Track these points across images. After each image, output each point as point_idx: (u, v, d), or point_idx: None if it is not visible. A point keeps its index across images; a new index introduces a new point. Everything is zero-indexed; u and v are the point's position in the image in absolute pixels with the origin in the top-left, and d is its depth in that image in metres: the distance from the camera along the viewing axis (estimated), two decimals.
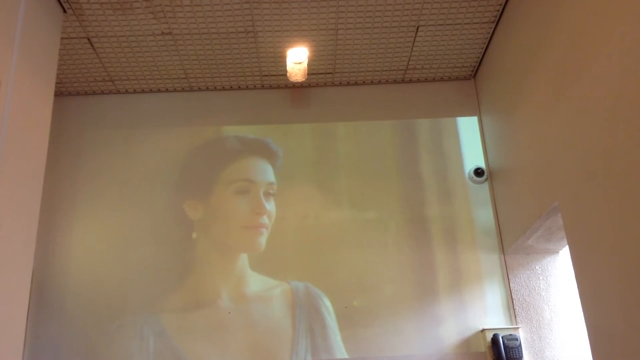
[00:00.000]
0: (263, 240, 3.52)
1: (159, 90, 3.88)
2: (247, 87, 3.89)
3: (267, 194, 3.61)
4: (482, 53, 3.65)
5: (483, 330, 3.31)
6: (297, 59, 3.49)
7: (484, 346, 3.28)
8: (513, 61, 3.18)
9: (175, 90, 3.89)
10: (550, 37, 2.66)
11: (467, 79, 3.92)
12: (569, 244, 2.59)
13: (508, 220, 3.41)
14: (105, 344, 3.29)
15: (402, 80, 3.90)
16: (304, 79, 3.59)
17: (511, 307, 3.36)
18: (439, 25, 3.36)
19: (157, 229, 3.55)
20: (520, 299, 3.36)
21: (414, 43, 3.52)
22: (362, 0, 3.11)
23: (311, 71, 3.71)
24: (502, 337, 3.21)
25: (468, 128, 3.80)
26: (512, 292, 3.39)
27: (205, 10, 3.13)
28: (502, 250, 3.49)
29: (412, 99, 3.89)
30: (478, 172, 3.65)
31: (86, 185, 3.64)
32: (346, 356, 3.27)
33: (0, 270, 2.28)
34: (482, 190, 3.65)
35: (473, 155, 3.73)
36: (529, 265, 3.43)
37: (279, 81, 3.84)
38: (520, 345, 3.20)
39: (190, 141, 3.77)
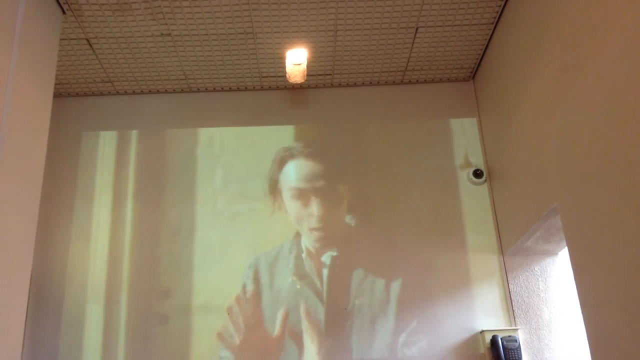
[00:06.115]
0: None
1: (158, 92, 3.88)
2: (246, 88, 3.89)
3: None
4: (481, 54, 3.66)
5: (482, 332, 3.30)
6: (296, 60, 3.49)
7: (483, 347, 3.28)
8: (512, 62, 3.18)
9: (174, 91, 3.89)
10: (549, 39, 2.66)
11: (466, 81, 3.92)
12: (568, 245, 2.59)
13: (507, 222, 3.41)
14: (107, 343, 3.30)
15: (401, 81, 3.90)
16: (303, 80, 3.59)
17: (510, 308, 3.36)
18: (438, 26, 3.36)
19: (156, 229, 3.55)
20: (520, 301, 3.36)
21: (413, 44, 3.52)
22: (361, 2, 3.11)
23: (310, 72, 3.72)
24: (501, 339, 3.21)
25: (467, 129, 3.80)
26: (511, 293, 3.38)
27: (205, 11, 3.13)
28: (501, 251, 3.49)
29: (411, 100, 3.89)
30: (477, 173, 3.65)
31: (85, 186, 3.64)
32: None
33: None
34: (481, 192, 3.65)
35: (472, 157, 3.73)
36: (528, 267, 3.43)
37: (278, 82, 3.84)
38: (519, 346, 3.20)
39: (189, 142, 3.77)
